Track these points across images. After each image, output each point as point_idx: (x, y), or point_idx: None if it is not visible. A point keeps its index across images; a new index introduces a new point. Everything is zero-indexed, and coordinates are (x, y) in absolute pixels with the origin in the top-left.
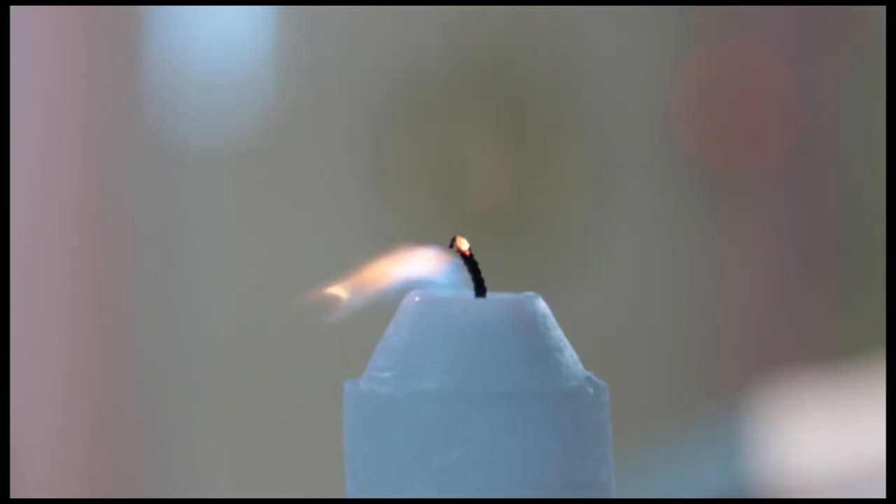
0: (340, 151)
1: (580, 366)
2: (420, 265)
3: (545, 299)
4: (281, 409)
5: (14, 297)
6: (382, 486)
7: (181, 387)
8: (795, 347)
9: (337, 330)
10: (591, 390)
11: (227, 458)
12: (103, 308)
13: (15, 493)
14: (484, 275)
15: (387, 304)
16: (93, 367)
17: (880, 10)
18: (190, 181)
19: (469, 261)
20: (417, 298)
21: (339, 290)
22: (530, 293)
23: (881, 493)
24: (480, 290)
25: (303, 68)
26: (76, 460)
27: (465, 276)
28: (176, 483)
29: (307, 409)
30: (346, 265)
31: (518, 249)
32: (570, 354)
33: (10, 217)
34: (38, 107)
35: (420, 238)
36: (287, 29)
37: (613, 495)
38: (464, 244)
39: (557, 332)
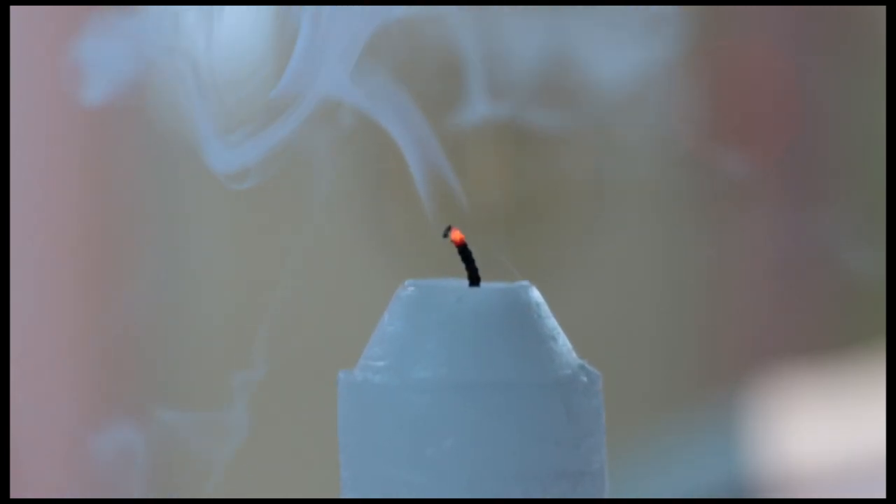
0: (339, 146)
1: (574, 354)
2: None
3: (541, 289)
4: (276, 398)
5: (14, 295)
6: (376, 475)
7: (179, 382)
8: (794, 340)
9: (331, 318)
10: (584, 378)
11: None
12: (103, 307)
13: (15, 493)
14: (479, 265)
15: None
16: (92, 365)
17: (880, 10)
18: (188, 179)
19: (463, 250)
20: (411, 288)
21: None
22: (524, 282)
23: (879, 486)
24: (474, 279)
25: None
26: (76, 460)
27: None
28: (175, 481)
29: (302, 399)
30: (344, 257)
31: (517, 241)
32: (563, 343)
33: (9, 216)
34: (36, 106)
35: (419, 231)
36: (286, 28)
37: (607, 485)
38: (458, 234)
39: (551, 321)
